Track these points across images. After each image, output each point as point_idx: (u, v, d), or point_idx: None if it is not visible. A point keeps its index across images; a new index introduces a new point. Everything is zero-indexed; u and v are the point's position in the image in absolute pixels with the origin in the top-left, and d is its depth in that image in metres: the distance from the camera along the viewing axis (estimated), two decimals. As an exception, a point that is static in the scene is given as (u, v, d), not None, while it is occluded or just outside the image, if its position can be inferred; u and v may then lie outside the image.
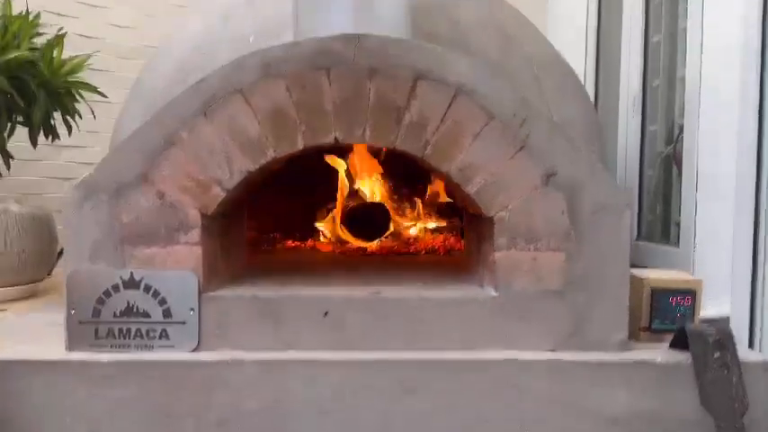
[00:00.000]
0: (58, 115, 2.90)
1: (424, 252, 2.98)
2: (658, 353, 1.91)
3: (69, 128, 2.96)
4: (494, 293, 1.92)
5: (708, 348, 1.81)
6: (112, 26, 3.93)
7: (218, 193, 1.90)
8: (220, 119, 1.88)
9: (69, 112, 2.89)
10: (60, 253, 3.20)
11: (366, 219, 3.02)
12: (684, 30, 2.92)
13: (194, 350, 1.86)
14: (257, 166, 1.89)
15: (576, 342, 1.85)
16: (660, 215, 3.33)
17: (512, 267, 1.91)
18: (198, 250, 1.91)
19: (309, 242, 3.17)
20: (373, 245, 3.02)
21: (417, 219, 3.16)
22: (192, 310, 1.91)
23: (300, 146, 1.89)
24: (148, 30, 4.06)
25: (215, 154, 1.89)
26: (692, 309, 2.07)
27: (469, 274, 2.26)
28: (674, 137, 3.35)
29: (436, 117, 1.88)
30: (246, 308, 1.91)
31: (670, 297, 2.06)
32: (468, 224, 2.43)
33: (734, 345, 1.81)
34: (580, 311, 1.87)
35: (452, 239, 3.16)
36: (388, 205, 3.07)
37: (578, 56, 3.91)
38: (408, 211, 3.16)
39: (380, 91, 1.88)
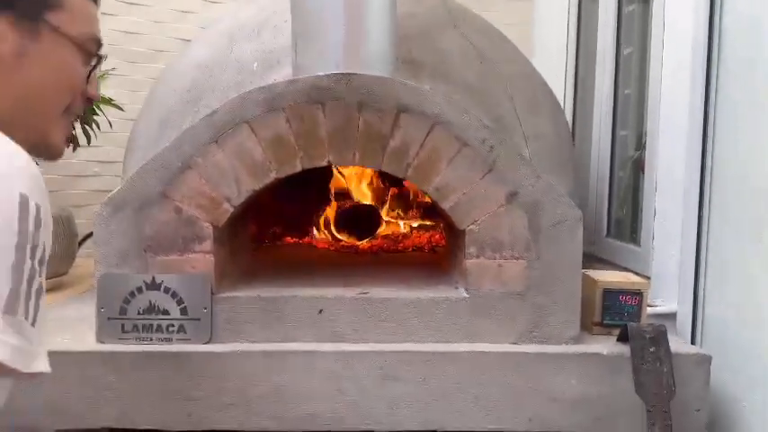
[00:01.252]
0: (77, 125, 3.19)
1: (411, 249, 3.29)
2: (606, 346, 2.23)
3: (89, 137, 3.25)
4: (465, 294, 2.24)
5: (645, 344, 2.13)
6: (120, 32, 4.19)
7: (228, 209, 2.21)
8: (230, 146, 2.17)
9: (89, 123, 3.18)
10: (83, 239, 3.52)
11: (359, 218, 3.33)
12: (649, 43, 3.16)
13: (207, 342, 2.16)
14: (261, 186, 2.20)
15: (536, 336, 2.15)
16: (629, 215, 3.63)
17: (481, 273, 2.23)
18: (210, 258, 2.22)
19: (307, 239, 3.48)
20: (365, 242, 3.33)
21: (405, 217, 3.47)
22: (205, 308, 2.22)
23: (299, 168, 2.19)
24: (155, 35, 4.32)
25: (225, 176, 2.19)
26: (639, 307, 2.39)
27: (447, 275, 2.58)
28: (642, 142, 3.64)
29: (416, 144, 2.17)
30: (252, 306, 2.23)
31: (620, 296, 2.38)
32: (446, 231, 2.74)
33: (667, 341, 2.13)
34: (539, 310, 2.16)
35: (437, 236, 3.47)
36: (380, 206, 3.38)
37: (560, 72, 4.18)
38: (397, 210, 3.46)
39: (368, 122, 2.17)
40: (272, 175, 2.18)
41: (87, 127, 3.21)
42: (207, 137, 2.16)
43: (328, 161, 2.18)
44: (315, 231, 3.47)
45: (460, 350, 2.16)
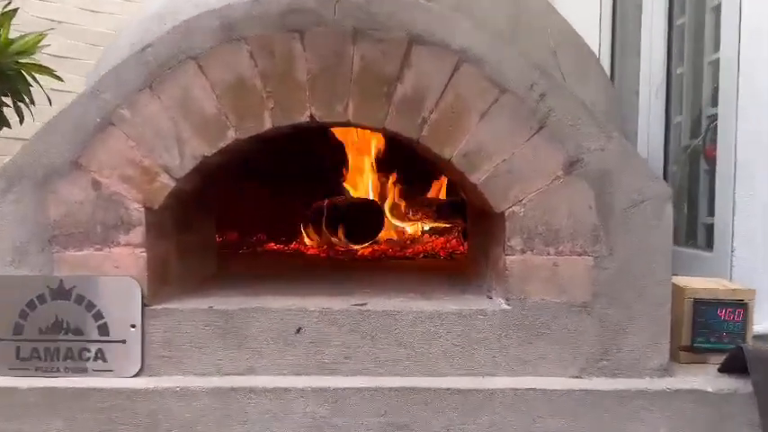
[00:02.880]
0: (9, 102, 2.55)
1: (422, 256, 2.62)
2: (707, 380, 1.55)
3: (21, 115, 2.61)
4: (505, 306, 1.57)
5: (772, 376, 1.45)
6: (78, 9, 3.58)
7: (166, 183, 1.55)
8: (170, 93, 1.53)
9: (21, 97, 2.54)
10: None
11: (356, 218, 2.67)
12: (714, 9, 2.59)
13: (137, 375, 1.51)
14: (215, 150, 1.54)
15: (607, 366, 1.53)
16: (685, 215, 2.98)
17: (527, 275, 1.56)
18: (140, 253, 1.56)
19: (294, 245, 2.81)
20: (364, 248, 2.67)
21: (415, 218, 2.81)
22: (133, 326, 1.55)
23: (268, 125, 1.54)
24: (119, 14, 3.72)
25: (163, 136, 1.54)
26: (744, 324, 1.71)
27: (475, 283, 1.90)
28: (701, 128, 3.02)
29: (435, 90, 1.53)
30: (202, 323, 1.56)
31: (717, 309, 1.71)
32: (472, 223, 2.08)
33: (804, 372, 1.46)
34: (611, 329, 1.54)
35: (454, 242, 2.80)
36: (383, 203, 2.72)
37: (591, 41, 3.55)
38: (405, 209, 2.81)
39: (367, 58, 1.53)
40: (231, 135, 1.53)
41: (21, 104, 2.57)
42: (137, 80, 1.52)
43: (309, 115, 1.53)
44: (304, 235, 2.80)
45: (499, 387, 1.50)
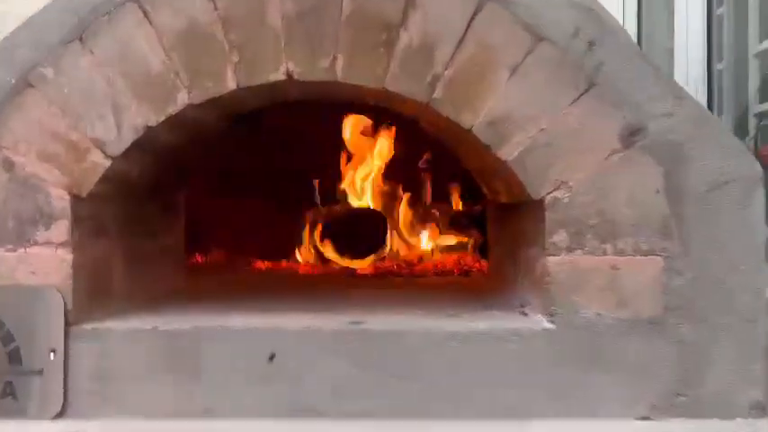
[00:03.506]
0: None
1: (432, 274, 2.23)
2: (822, 424, 1.14)
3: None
4: (547, 325, 1.18)
5: None
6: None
7: (99, 163, 1.19)
8: (105, 46, 1.18)
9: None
10: None
11: (356, 230, 2.29)
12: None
13: (57, 417, 1.11)
14: (162, 118, 1.18)
15: (685, 404, 1.14)
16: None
17: (577, 282, 1.17)
18: (66, 255, 1.18)
19: (284, 263, 2.42)
20: (365, 265, 2.27)
21: (425, 232, 2.43)
22: (53, 351, 1.17)
23: (231, 84, 1.17)
24: None
25: (95, 100, 1.18)
26: None
27: (501, 297, 1.51)
28: (748, 127, 2.66)
29: (450, 38, 1.17)
30: (144, 348, 1.18)
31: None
32: (495, 224, 1.70)
33: None
34: (689, 353, 1.17)
35: (469, 259, 2.40)
36: (387, 214, 2.34)
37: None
38: (413, 220, 2.42)
39: (360, -4, 1.17)
40: (182, 99, 1.17)
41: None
42: (62, 31, 1.18)
43: (286, 72, 1.16)
44: (296, 251, 2.41)
45: (545, 429, 1.09)
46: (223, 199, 2.39)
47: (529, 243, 1.30)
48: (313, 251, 2.38)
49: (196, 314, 1.30)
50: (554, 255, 1.18)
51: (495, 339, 1.17)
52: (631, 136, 1.17)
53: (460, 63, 1.17)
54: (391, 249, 2.40)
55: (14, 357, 1.18)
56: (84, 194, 1.19)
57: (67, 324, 1.18)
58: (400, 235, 2.44)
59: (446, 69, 1.17)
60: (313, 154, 2.37)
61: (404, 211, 2.45)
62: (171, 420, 1.17)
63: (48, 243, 1.18)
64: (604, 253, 1.18)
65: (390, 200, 2.46)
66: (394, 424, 1.14)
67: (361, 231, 2.32)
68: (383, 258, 2.38)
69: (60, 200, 1.18)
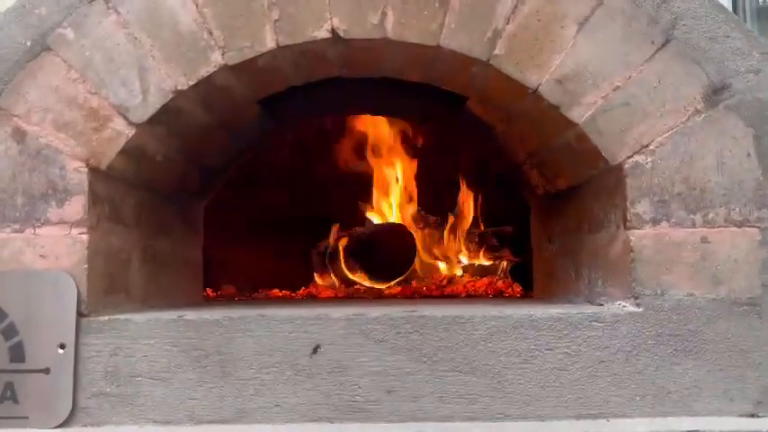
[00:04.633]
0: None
1: (465, 295, 2.07)
2: None
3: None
4: (632, 308, 1.02)
5: None
6: None
7: (122, 131, 1.06)
8: (131, 4, 1.07)
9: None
10: None
11: (382, 250, 2.14)
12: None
13: (64, 425, 0.95)
14: (193, 81, 1.06)
15: None
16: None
17: (665, 257, 1.03)
18: (80, 235, 1.04)
19: (304, 291, 2.26)
20: (392, 285, 2.12)
21: (455, 253, 2.28)
22: (62, 346, 1.01)
23: (271, 44, 1.06)
24: None
25: (119, 63, 1.06)
26: None
27: (561, 298, 1.35)
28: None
29: (511, -8, 1.06)
30: (167, 342, 1.02)
31: None
32: (543, 220, 1.53)
33: None
34: None
35: (500, 283, 2.25)
36: (414, 232, 2.20)
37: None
38: (440, 242, 2.28)
39: (412, -51, 1.07)
40: (216, 59, 1.05)
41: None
42: (86, -13, 1.06)
43: (331, 29, 1.05)
44: (315, 276, 2.26)
45: (635, 430, 0.92)
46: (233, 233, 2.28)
47: (596, 226, 1.16)
48: (333, 275, 2.22)
49: (226, 310, 1.14)
50: (637, 228, 1.03)
51: (573, 326, 1.01)
52: (715, 94, 1.05)
53: (524, 16, 1.06)
54: (417, 271, 2.25)
55: (16, 354, 1.02)
56: (103, 167, 1.06)
57: (80, 315, 1.03)
58: (429, 256, 2.29)
59: (508, 23, 1.06)
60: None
61: (431, 232, 2.31)
62: (197, 426, 0.99)
63: (61, 222, 1.04)
64: (693, 224, 1.04)
65: (418, 221, 2.33)
66: (456, 427, 0.97)
67: (388, 250, 2.17)
68: (410, 280, 2.22)
69: (77, 172, 1.05)
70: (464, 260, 2.32)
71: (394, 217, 2.24)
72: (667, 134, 1.05)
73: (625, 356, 1.01)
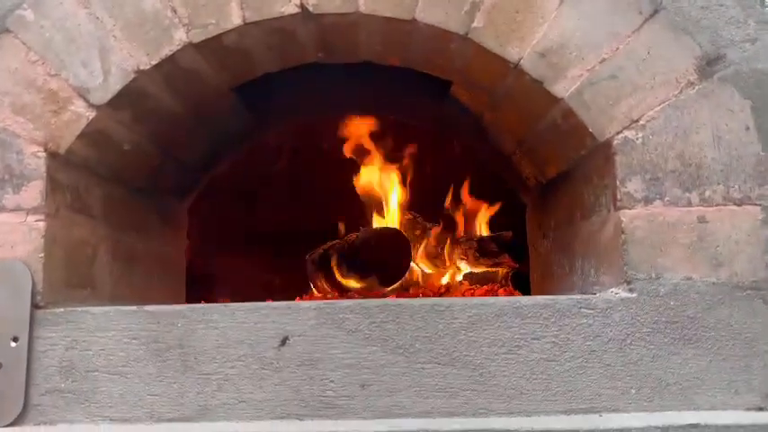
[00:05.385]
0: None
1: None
2: None
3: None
4: (625, 294, 0.95)
5: None
6: None
7: (82, 113, 1.01)
8: (94, -18, 1.02)
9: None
10: None
11: (377, 255, 2.07)
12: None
13: (14, 424, 0.88)
14: (156, 60, 1.01)
15: None
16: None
17: (659, 238, 0.96)
18: (37, 223, 0.98)
19: (297, 299, 2.19)
20: (388, 292, 2.04)
21: (452, 259, 2.20)
22: (15, 339, 0.95)
23: (237, 20, 1.01)
24: None
25: (80, 43, 1.02)
26: None
27: (555, 288, 1.28)
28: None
29: (489, -37, 1.01)
30: (126, 334, 0.95)
31: None
32: (537, 214, 1.46)
33: None
34: None
35: (501, 291, 2.16)
36: (409, 237, 2.13)
37: None
38: (436, 248, 2.21)
39: None
40: (180, 38, 1.01)
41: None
42: (47, -33, 1.02)
43: (300, 3, 1.00)
44: (311, 284, 2.19)
45: (630, 426, 0.83)
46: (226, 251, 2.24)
47: (587, 212, 1.09)
48: (324, 282, 2.15)
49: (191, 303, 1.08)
50: (628, 207, 0.96)
51: (561, 314, 0.94)
52: (709, 66, 0.99)
53: (503, -13, 1.01)
54: (415, 279, 2.18)
55: (-33, 348, 0.96)
56: (62, 151, 1.01)
57: (36, 307, 0.97)
58: (425, 263, 2.22)
59: (486, -6, 1.01)
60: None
61: (427, 239, 2.24)
62: (157, 423, 0.93)
63: (17, 209, 0.99)
64: (689, 203, 0.96)
65: (413, 228, 2.26)
66: (436, 423, 0.90)
67: (382, 255, 2.10)
68: (407, 288, 2.15)
69: (34, 157, 1.00)
70: (464, 267, 2.25)
71: (388, 222, 2.18)
72: (659, 108, 0.98)
73: (618, 346, 0.93)
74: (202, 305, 0.96)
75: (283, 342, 0.94)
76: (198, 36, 1.01)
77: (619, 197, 0.97)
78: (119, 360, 0.95)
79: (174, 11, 1.02)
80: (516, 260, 2.13)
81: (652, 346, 0.93)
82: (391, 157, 2.22)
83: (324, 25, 1.06)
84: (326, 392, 0.93)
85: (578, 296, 0.96)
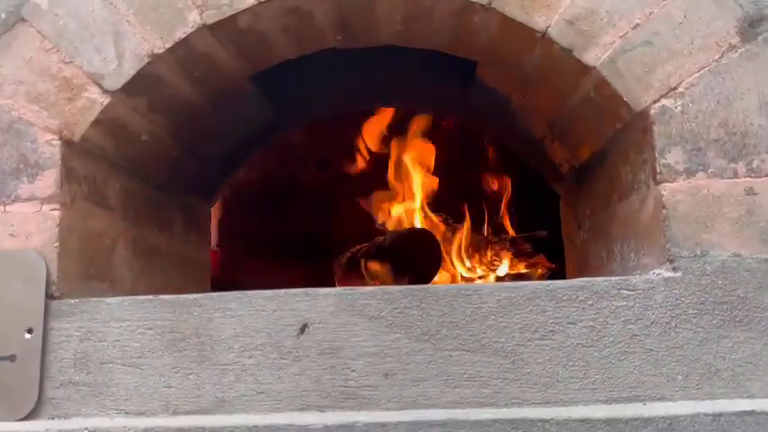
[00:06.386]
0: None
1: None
2: None
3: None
4: (669, 273, 0.88)
5: None
6: None
7: (96, 99, 0.99)
8: (109, -31, 1.01)
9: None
10: None
11: (405, 258, 2.02)
12: None
13: (29, 417, 0.86)
14: (170, 44, 0.99)
15: None
16: None
17: (703, 213, 0.89)
18: (52, 212, 0.96)
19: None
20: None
21: (487, 260, 2.14)
22: (29, 331, 0.92)
23: (251, -1, 0.98)
24: None
25: (94, 29, 1.00)
26: None
27: (590, 273, 1.21)
28: None
29: (511, -69, 0.96)
30: (141, 324, 0.92)
31: None
32: (572, 206, 1.39)
33: None
34: None
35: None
36: (440, 237, 2.08)
37: None
38: (469, 248, 2.14)
39: None
40: (194, 19, 0.98)
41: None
42: (62, -45, 1.01)
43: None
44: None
45: (676, 415, 0.76)
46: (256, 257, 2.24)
47: (625, 192, 1.02)
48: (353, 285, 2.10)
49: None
50: (669, 181, 0.90)
51: (598, 296, 0.87)
52: (752, 27, 0.92)
53: (526, -46, 0.96)
54: (447, 281, 2.12)
55: (-19, 340, 0.94)
56: (77, 138, 0.99)
57: (51, 298, 0.94)
58: (457, 265, 2.16)
59: (508, -38, 0.96)
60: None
61: (459, 239, 2.18)
62: (173, 416, 0.89)
63: (32, 198, 0.97)
64: (735, 174, 0.89)
65: (444, 228, 2.20)
66: (464, 412, 0.84)
67: (411, 256, 2.05)
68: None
69: (48, 145, 0.98)
70: (498, 269, 2.18)
71: (417, 222, 2.13)
72: (698, 74, 0.91)
73: (662, 329, 0.86)
74: (219, 293, 0.93)
75: (302, 330, 0.90)
76: (212, 17, 0.98)
77: (658, 170, 0.90)
78: (134, 351, 0.91)
79: (188, -9, 0.99)
80: (552, 260, 2.06)
81: (699, 329, 0.85)
82: (418, 156, 2.18)
83: (341, 3, 1.02)
84: (348, 382, 0.88)
85: (617, 278, 0.89)
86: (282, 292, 0.91)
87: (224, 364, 0.90)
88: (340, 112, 1.71)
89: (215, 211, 2.43)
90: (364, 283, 2.05)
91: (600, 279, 0.89)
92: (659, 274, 0.89)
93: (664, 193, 0.89)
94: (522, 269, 2.17)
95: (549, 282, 0.89)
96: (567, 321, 0.87)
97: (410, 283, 1.99)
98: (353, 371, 0.88)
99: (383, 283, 2.01)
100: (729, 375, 0.84)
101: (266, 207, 2.38)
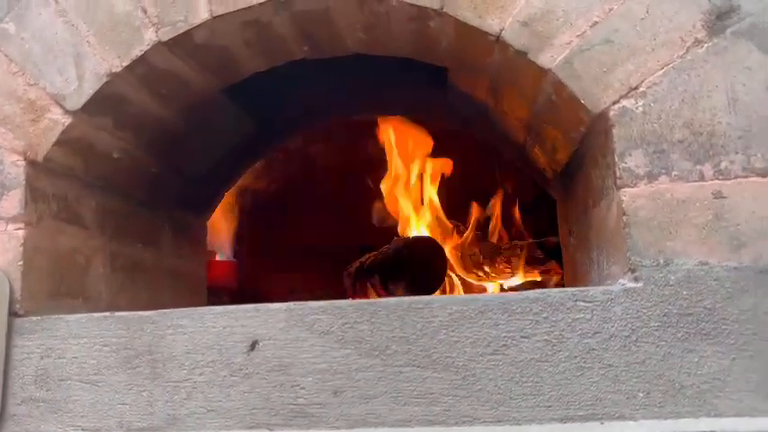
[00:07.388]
0: None
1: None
2: None
3: None
4: (630, 284, 0.83)
5: None
6: None
7: (58, 119, 1.00)
8: (71, -9, 1.02)
9: None
10: None
11: (409, 267, 1.99)
12: None
13: None
14: (127, 62, 0.99)
15: None
16: None
17: (666, 219, 0.83)
18: (16, 231, 0.98)
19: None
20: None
21: (496, 269, 2.09)
22: (-9, 348, 0.94)
23: (204, 14, 0.98)
24: None
25: (57, 51, 1.02)
26: None
27: (578, 282, 1.15)
28: None
29: (464, -67, 0.93)
30: (97, 341, 0.92)
31: None
32: (562, 206, 1.35)
33: None
34: None
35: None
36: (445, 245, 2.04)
37: None
38: (477, 256, 2.10)
39: None
40: (150, 37, 0.99)
41: None
42: (27, -20, 1.03)
43: (265, -8, 0.96)
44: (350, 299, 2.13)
45: (637, 439, 0.72)
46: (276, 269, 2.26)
47: (598, 196, 0.98)
48: (361, 295, 2.09)
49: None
50: (629, 185, 0.85)
51: (554, 308, 0.83)
52: (720, 20, 0.86)
53: (477, -46, 0.92)
54: (452, 289, 2.08)
55: (-51, 359, 0.96)
56: (40, 158, 1.00)
57: (15, 315, 0.96)
58: (467, 273, 2.12)
59: (458, -37, 0.93)
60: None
61: (466, 247, 2.14)
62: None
63: (-3, 219, 0.99)
64: (701, 177, 0.83)
65: (453, 236, 2.16)
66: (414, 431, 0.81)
67: (416, 265, 2.01)
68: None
69: (14, 166, 1.00)
70: (509, 277, 2.13)
71: (422, 231, 2.10)
72: (661, 72, 0.86)
73: (622, 343, 0.81)
74: (172, 310, 0.92)
75: (253, 347, 0.88)
76: (167, 34, 0.99)
77: (618, 174, 0.85)
78: (91, 368, 0.92)
79: (145, 11, 1.00)
80: (563, 267, 1.99)
81: (662, 343, 0.80)
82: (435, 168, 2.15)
83: (298, 14, 1.01)
84: (298, 400, 0.86)
85: (573, 289, 0.85)
86: (233, 307, 0.90)
87: (176, 382, 0.89)
88: (328, 121, 1.70)
89: (231, 223, 2.46)
90: (375, 293, 2.03)
91: (555, 290, 0.84)
92: (623, 285, 0.84)
93: (624, 198, 0.85)
94: (537, 277, 2.12)
95: (501, 294, 0.86)
96: (521, 335, 0.83)
97: (413, 292, 1.96)
98: (303, 388, 0.86)
99: (391, 293, 1.99)
100: (695, 392, 0.78)
101: (287, 218, 2.39)
